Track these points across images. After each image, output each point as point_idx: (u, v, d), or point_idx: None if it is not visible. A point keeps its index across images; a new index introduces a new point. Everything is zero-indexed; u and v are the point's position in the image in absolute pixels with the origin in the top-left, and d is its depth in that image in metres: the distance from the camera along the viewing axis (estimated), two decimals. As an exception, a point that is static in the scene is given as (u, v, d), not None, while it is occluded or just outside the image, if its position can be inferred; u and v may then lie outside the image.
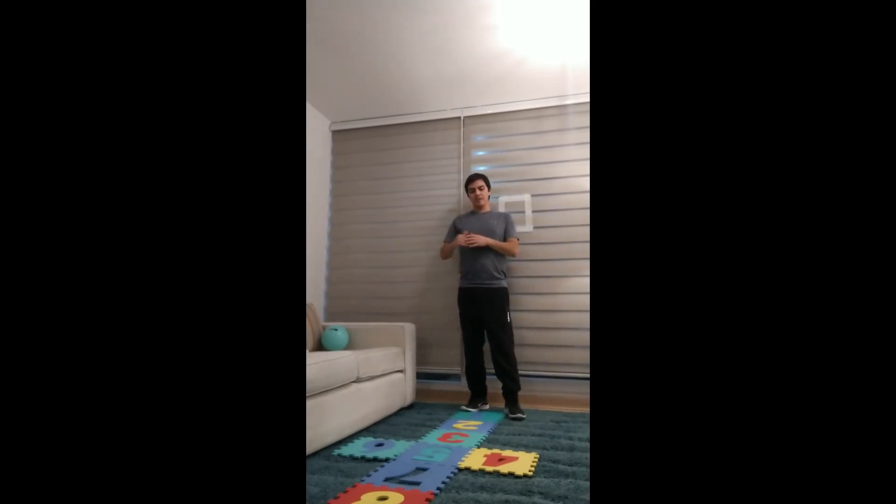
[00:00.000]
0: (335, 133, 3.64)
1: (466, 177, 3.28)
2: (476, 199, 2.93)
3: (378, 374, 2.35)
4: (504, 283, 2.79)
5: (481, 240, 2.74)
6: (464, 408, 2.70)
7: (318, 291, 3.38)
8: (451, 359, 3.15)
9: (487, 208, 2.97)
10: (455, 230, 2.93)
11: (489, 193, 2.96)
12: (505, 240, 2.83)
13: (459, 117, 3.37)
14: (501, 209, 3.27)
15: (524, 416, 2.48)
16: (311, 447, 1.72)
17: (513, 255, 2.84)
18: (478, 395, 2.80)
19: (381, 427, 2.27)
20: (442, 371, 3.17)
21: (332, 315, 3.42)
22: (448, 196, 3.32)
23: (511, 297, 2.98)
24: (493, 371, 2.79)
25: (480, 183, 2.93)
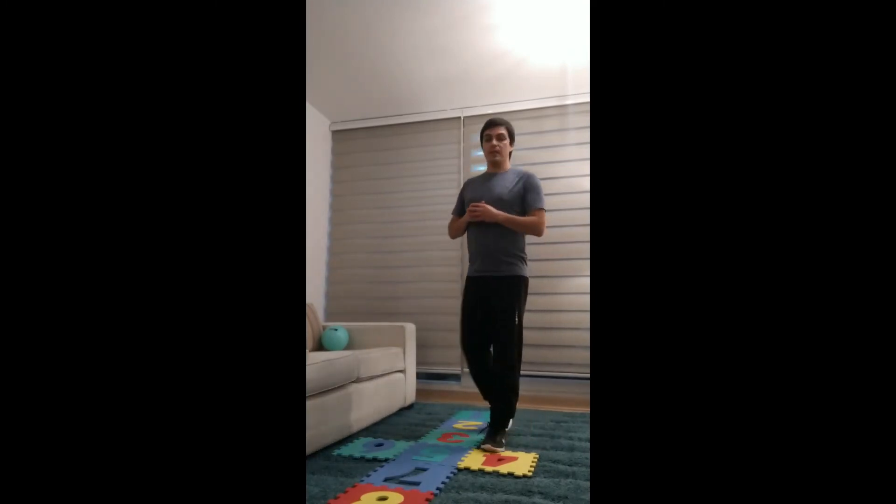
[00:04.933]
0: (335, 133, 3.64)
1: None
2: (492, 151, 2.05)
3: (378, 374, 2.35)
4: (519, 270, 1.95)
5: (490, 214, 1.90)
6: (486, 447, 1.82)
7: (318, 291, 3.38)
8: (452, 359, 3.14)
9: (507, 166, 2.11)
10: (462, 200, 2.15)
11: (511, 149, 2.12)
12: (525, 212, 1.97)
13: (459, 117, 3.37)
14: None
15: (498, 451, 1.80)
16: (311, 447, 1.72)
17: (538, 235, 1.97)
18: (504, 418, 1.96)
19: (381, 427, 2.28)
20: (442, 371, 3.17)
21: (332, 315, 3.42)
22: (448, 196, 3.32)
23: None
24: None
25: (500, 130, 2.04)
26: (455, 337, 3.14)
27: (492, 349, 2.00)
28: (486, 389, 2.03)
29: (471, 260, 2.08)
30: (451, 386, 3.16)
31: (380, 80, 3.00)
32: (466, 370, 3.08)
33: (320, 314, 3.37)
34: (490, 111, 3.29)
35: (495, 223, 1.94)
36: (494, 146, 2.06)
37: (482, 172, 2.20)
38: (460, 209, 2.17)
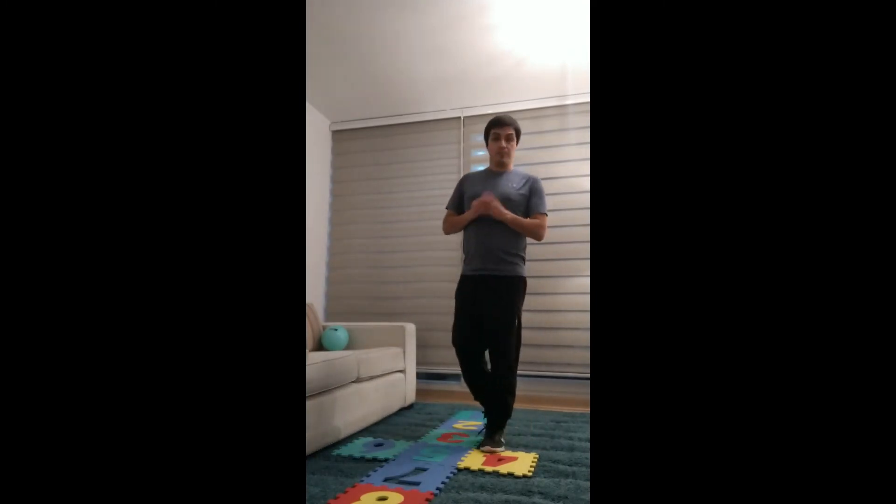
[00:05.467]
0: (335, 133, 3.64)
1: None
2: (499, 152, 2.01)
3: (378, 374, 2.35)
4: (520, 270, 1.95)
5: (499, 210, 1.87)
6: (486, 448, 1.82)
7: (318, 291, 3.38)
8: (452, 359, 3.14)
9: (511, 167, 2.08)
10: (460, 195, 2.08)
11: (516, 149, 2.08)
12: (528, 214, 1.97)
13: (459, 117, 3.37)
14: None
15: (498, 451, 1.83)
16: (310, 447, 1.72)
17: (538, 239, 1.96)
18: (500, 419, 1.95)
19: (381, 427, 2.27)
20: (442, 371, 3.17)
21: (332, 315, 3.42)
22: (448, 197, 3.32)
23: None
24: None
25: (510, 131, 2.01)
26: (455, 337, 3.12)
27: (487, 349, 1.96)
28: (479, 389, 2.00)
29: (468, 259, 2.01)
30: (452, 386, 3.16)
31: (380, 80, 3.00)
32: (466, 370, 3.08)
33: (320, 314, 3.37)
34: (490, 111, 3.28)
35: (498, 222, 1.91)
36: (503, 147, 2.02)
37: (483, 169, 2.14)
38: (458, 204, 2.09)
